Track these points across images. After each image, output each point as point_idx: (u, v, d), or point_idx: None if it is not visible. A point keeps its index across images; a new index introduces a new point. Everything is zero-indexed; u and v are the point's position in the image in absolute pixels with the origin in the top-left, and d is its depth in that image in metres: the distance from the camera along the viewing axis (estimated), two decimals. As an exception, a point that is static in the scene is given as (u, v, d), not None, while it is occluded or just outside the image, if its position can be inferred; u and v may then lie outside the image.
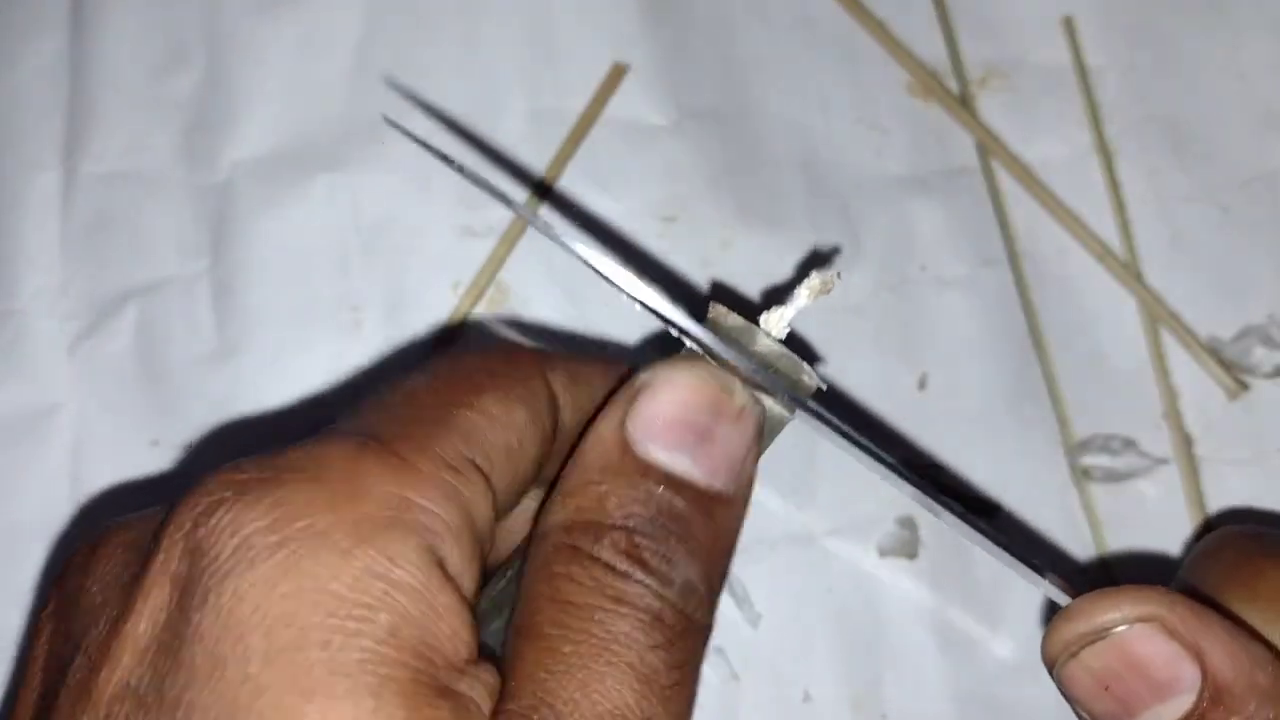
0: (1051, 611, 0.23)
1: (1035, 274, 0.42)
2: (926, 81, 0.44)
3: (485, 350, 0.24)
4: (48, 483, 0.41)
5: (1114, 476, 0.40)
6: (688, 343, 0.23)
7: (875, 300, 0.42)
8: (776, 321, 0.23)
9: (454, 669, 0.19)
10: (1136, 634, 0.21)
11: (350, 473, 0.19)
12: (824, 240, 0.43)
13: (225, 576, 0.18)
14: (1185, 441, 0.40)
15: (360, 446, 0.20)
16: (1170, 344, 0.42)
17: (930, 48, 0.45)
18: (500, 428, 0.22)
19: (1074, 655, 0.22)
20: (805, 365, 0.23)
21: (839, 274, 0.24)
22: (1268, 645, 0.22)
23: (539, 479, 0.24)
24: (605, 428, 0.22)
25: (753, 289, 0.42)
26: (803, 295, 0.24)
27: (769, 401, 0.23)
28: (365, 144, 0.44)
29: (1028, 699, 0.38)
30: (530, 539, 0.22)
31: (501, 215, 0.43)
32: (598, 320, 0.42)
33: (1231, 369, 0.41)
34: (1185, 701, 0.21)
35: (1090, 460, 0.40)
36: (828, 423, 0.23)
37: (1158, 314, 0.42)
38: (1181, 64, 0.45)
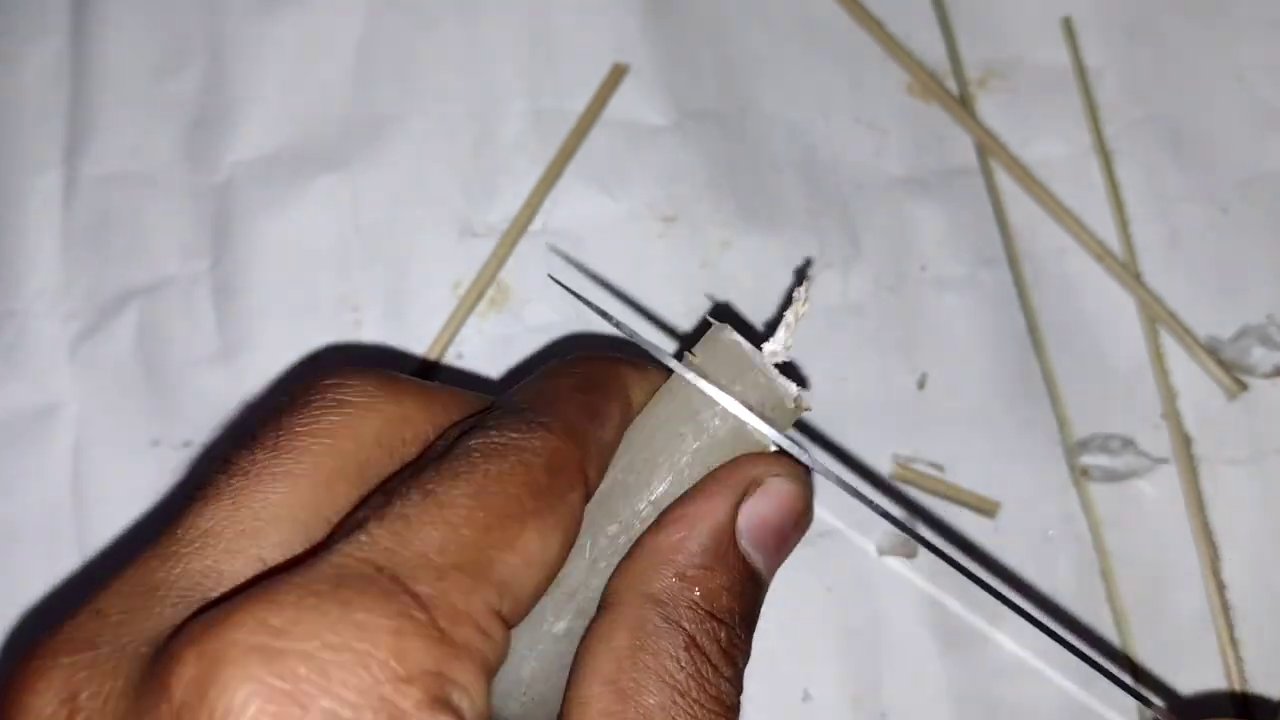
0: None
1: (1034, 274, 0.42)
2: (926, 82, 0.45)
3: (528, 453, 0.22)
4: (49, 482, 0.41)
5: (1113, 476, 0.40)
6: (689, 377, 0.24)
7: (875, 300, 0.42)
8: (775, 348, 0.25)
9: None
10: None
11: (396, 652, 0.18)
12: (824, 240, 0.43)
13: None
14: (1184, 441, 0.41)
15: (402, 617, 0.18)
16: (1169, 344, 0.42)
17: (930, 48, 0.45)
18: (534, 570, 0.21)
19: None
20: (796, 390, 0.25)
21: (809, 284, 0.25)
22: None
23: None
24: (720, 511, 0.23)
25: (752, 289, 0.42)
26: (791, 317, 0.25)
27: (767, 430, 0.24)
28: (366, 144, 0.44)
29: (1026, 698, 0.38)
30: (621, 582, 0.23)
31: (502, 216, 0.43)
32: (597, 320, 0.42)
33: (1230, 369, 0.41)
34: None
35: (1089, 460, 0.40)
36: (815, 463, 0.25)
37: (1157, 314, 0.42)
38: (1180, 65, 0.45)
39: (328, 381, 0.23)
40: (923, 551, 0.39)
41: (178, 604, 0.19)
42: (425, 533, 0.20)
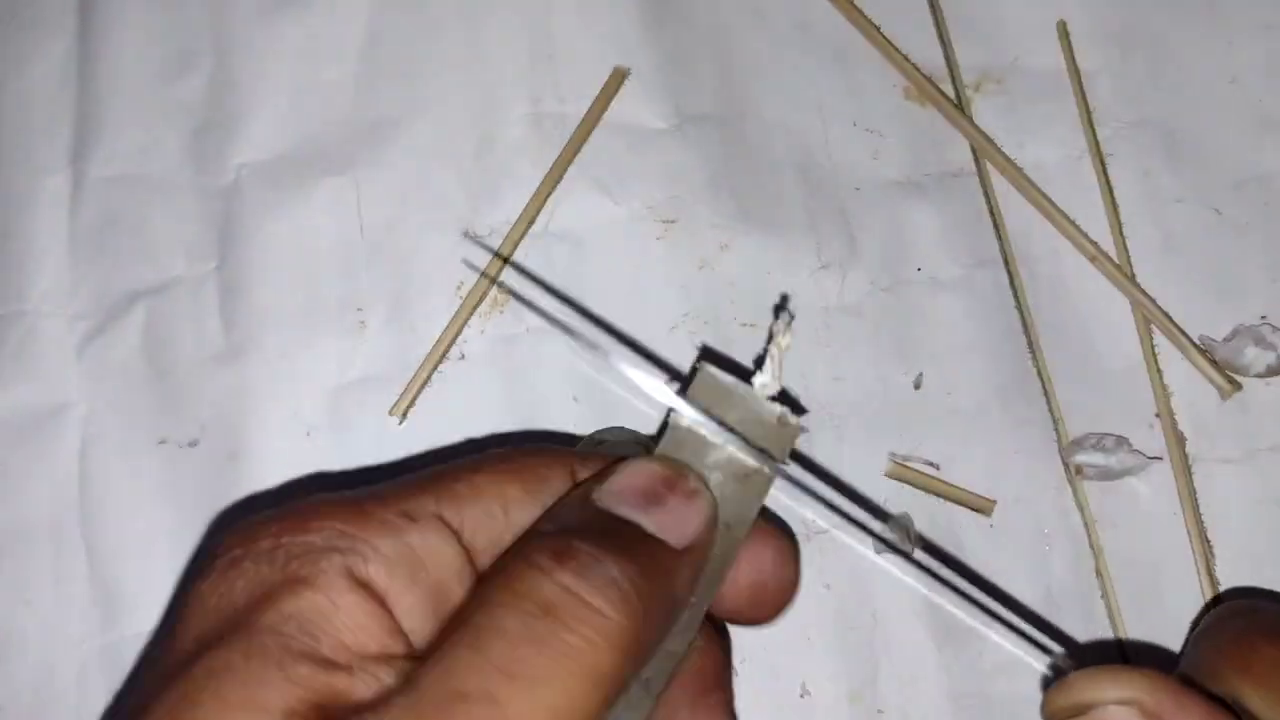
0: (1050, 681, 0.25)
1: (1029, 275, 0.43)
2: (922, 86, 0.45)
3: (518, 448, 0.26)
4: (56, 482, 0.41)
5: (1107, 475, 0.40)
6: (685, 412, 0.25)
7: (871, 301, 0.43)
8: (764, 380, 0.26)
9: (347, 651, 0.21)
10: (1116, 716, 0.23)
11: (310, 514, 0.23)
12: (821, 242, 0.43)
13: (198, 580, 0.23)
14: (1178, 440, 0.41)
15: (338, 502, 0.23)
16: (1163, 344, 0.42)
17: (926, 52, 0.46)
18: (483, 498, 0.24)
19: None
20: (792, 417, 0.26)
21: (791, 317, 0.26)
22: None
23: None
24: (574, 493, 0.25)
25: (751, 290, 0.43)
26: (776, 354, 0.26)
27: (755, 462, 0.25)
28: (370, 147, 0.44)
29: (1023, 695, 0.39)
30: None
31: (503, 218, 0.43)
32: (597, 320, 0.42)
33: (1224, 369, 0.41)
34: None
35: (1084, 458, 0.40)
36: (805, 489, 0.26)
37: (1150, 314, 0.42)
38: (1174, 67, 0.45)
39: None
40: (919, 549, 0.40)
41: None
42: (408, 479, 0.25)
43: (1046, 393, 0.41)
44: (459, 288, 0.43)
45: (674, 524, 0.24)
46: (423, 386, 0.42)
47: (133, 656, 0.39)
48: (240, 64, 0.45)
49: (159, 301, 0.43)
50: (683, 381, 0.26)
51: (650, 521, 0.24)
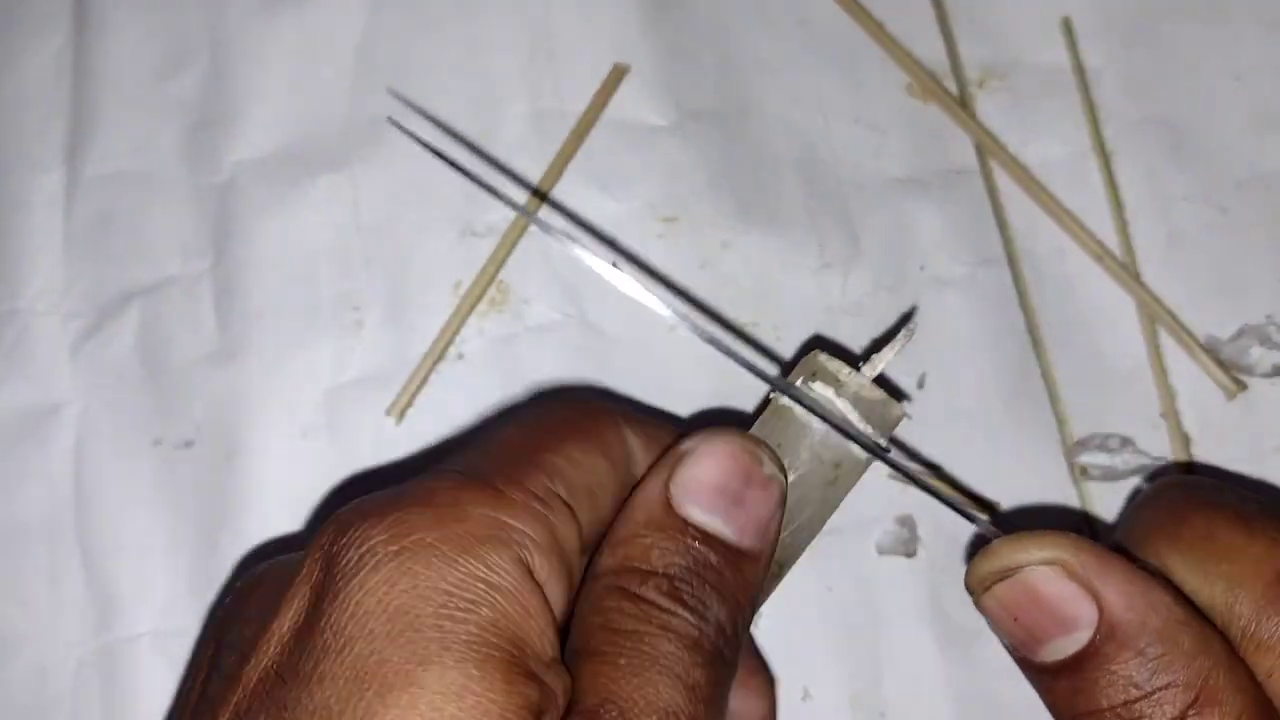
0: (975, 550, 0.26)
1: (1033, 274, 0.43)
2: (925, 82, 0.45)
3: (570, 403, 0.28)
4: (50, 482, 0.41)
5: (1112, 475, 0.40)
6: (781, 398, 0.27)
7: (874, 300, 0.42)
8: (871, 368, 0.27)
9: (541, 661, 0.22)
10: (1040, 574, 0.24)
11: (454, 500, 0.23)
12: (823, 240, 0.43)
13: (352, 576, 0.22)
14: (1183, 440, 0.41)
15: (462, 481, 0.24)
16: (1168, 343, 0.42)
17: (929, 49, 0.45)
18: (582, 471, 0.25)
19: (988, 589, 0.25)
20: (894, 404, 0.27)
21: (914, 328, 0.27)
22: (1173, 591, 0.24)
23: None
24: (651, 488, 0.25)
25: (752, 289, 0.43)
26: (889, 351, 0.27)
27: (851, 446, 0.26)
28: (367, 144, 0.44)
29: (1026, 698, 0.38)
30: (582, 584, 0.25)
31: (502, 216, 0.43)
32: (598, 320, 0.42)
33: (1229, 369, 0.41)
34: (1083, 636, 0.23)
35: (1088, 459, 0.40)
36: (901, 470, 0.27)
37: (1156, 313, 0.42)
38: (1179, 65, 0.45)
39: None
40: (922, 550, 0.40)
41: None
42: (494, 448, 0.26)
43: (1050, 393, 0.41)
44: (457, 286, 0.43)
45: (752, 524, 0.25)
46: (420, 386, 0.41)
47: (128, 658, 0.39)
48: (236, 60, 0.45)
49: (154, 300, 0.42)
50: (786, 366, 0.27)
51: (731, 529, 0.25)
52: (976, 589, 0.25)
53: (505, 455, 0.25)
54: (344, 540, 0.23)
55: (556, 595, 0.24)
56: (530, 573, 0.23)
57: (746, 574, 0.25)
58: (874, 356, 0.27)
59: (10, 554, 0.40)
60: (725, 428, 0.26)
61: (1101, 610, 0.23)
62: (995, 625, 0.25)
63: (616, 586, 0.24)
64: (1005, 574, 0.24)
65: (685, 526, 0.25)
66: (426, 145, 0.28)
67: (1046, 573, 0.24)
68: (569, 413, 0.27)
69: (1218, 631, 0.24)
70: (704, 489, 0.25)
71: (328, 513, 0.26)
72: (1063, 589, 0.24)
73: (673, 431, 0.28)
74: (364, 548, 0.22)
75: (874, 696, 0.39)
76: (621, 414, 0.28)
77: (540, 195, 0.43)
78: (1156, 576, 0.24)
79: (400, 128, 0.28)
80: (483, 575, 0.22)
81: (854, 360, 0.27)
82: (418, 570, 0.22)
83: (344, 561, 0.22)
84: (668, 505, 0.25)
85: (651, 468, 0.26)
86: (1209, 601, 0.24)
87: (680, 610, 0.24)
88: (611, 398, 0.41)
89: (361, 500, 0.24)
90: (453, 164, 0.27)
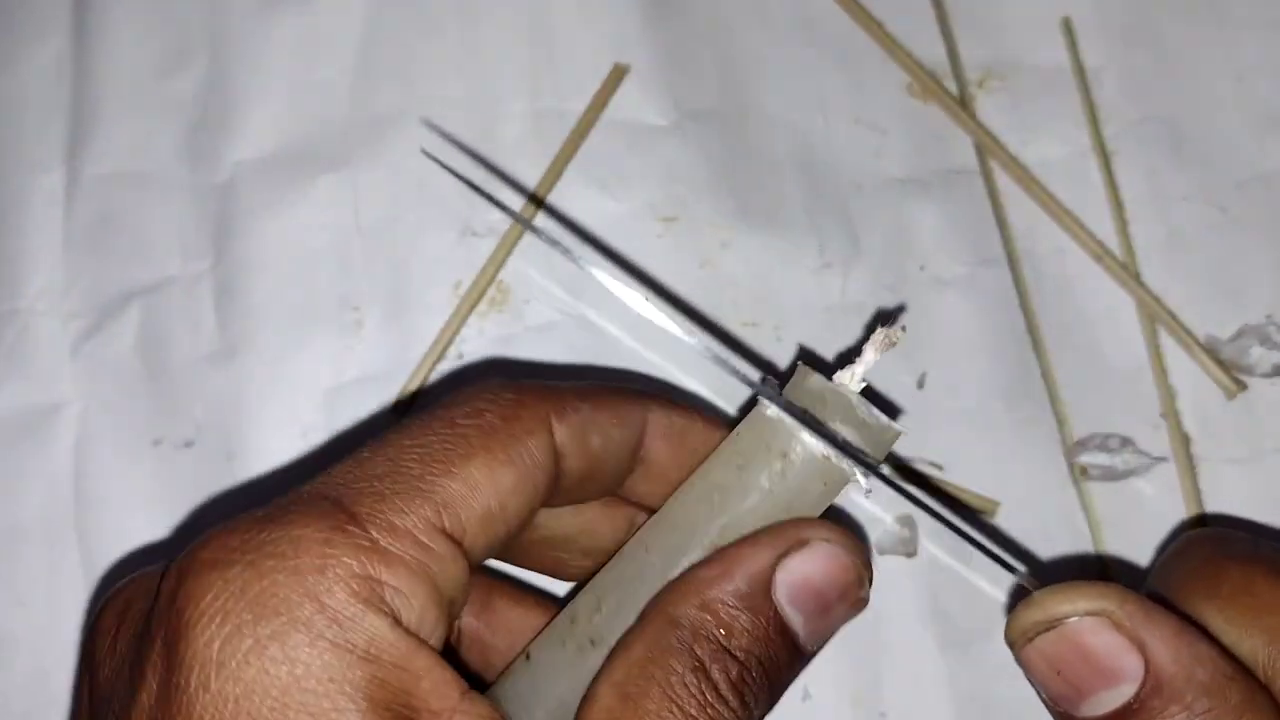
0: (1017, 600, 0.25)
1: (1034, 274, 0.43)
2: (925, 82, 0.45)
3: (485, 401, 0.26)
4: (50, 481, 0.41)
5: (1112, 475, 0.40)
6: (769, 408, 0.25)
7: (874, 299, 0.42)
8: (850, 379, 0.26)
9: (444, 715, 0.22)
10: (1086, 626, 0.23)
11: (323, 559, 0.22)
12: (823, 240, 0.43)
13: (220, 666, 0.21)
14: (1183, 440, 0.41)
15: (333, 530, 0.22)
16: (1168, 343, 0.42)
17: (929, 49, 0.45)
18: (480, 494, 0.24)
19: (1030, 640, 0.24)
20: (886, 421, 0.25)
21: (903, 328, 0.26)
22: (1216, 644, 0.23)
23: (604, 489, 0.28)
24: (761, 559, 0.24)
25: (751, 289, 0.42)
26: (870, 352, 0.26)
27: (841, 461, 0.25)
28: (367, 144, 0.44)
29: (1026, 698, 0.38)
30: (652, 603, 0.25)
31: (501, 216, 0.43)
32: (598, 320, 0.42)
33: (1229, 368, 0.41)
34: (1128, 690, 0.23)
35: (1088, 459, 0.40)
36: (895, 486, 0.25)
37: (1156, 313, 0.42)
38: (1179, 65, 0.45)
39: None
40: (922, 551, 0.40)
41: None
42: (373, 466, 0.24)
43: (1051, 392, 0.41)
44: (457, 286, 0.42)
45: (824, 635, 0.25)
46: (420, 386, 0.41)
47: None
48: (236, 60, 0.45)
49: (154, 300, 0.42)
50: (781, 379, 0.26)
51: (806, 632, 0.25)
52: (1019, 640, 0.24)
53: (391, 479, 0.23)
54: (200, 607, 0.21)
55: (439, 636, 0.23)
56: (410, 631, 0.22)
57: (795, 673, 0.25)
58: (855, 362, 0.26)
59: (9, 553, 0.40)
60: (843, 530, 0.26)
61: (1148, 663, 0.23)
62: (1036, 678, 0.24)
63: (691, 650, 0.23)
64: (1049, 625, 0.24)
65: (775, 616, 0.24)
66: (460, 177, 0.27)
67: (1092, 624, 0.23)
68: (480, 416, 0.25)
69: (1262, 685, 0.23)
70: (808, 589, 0.25)
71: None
72: (1108, 641, 0.23)
73: (623, 406, 0.28)
74: (226, 625, 0.21)
75: (874, 696, 0.39)
76: (553, 404, 0.26)
77: (538, 201, 0.43)
78: (1198, 628, 0.24)
79: (434, 159, 0.28)
80: (363, 650, 0.21)
81: (851, 360, 0.26)
82: (294, 656, 0.21)
83: (205, 637, 0.21)
84: (768, 589, 0.24)
85: (765, 533, 0.25)
86: (1249, 655, 0.24)
87: (735, 703, 0.23)
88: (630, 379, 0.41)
89: (213, 543, 0.22)
90: (483, 193, 0.26)
